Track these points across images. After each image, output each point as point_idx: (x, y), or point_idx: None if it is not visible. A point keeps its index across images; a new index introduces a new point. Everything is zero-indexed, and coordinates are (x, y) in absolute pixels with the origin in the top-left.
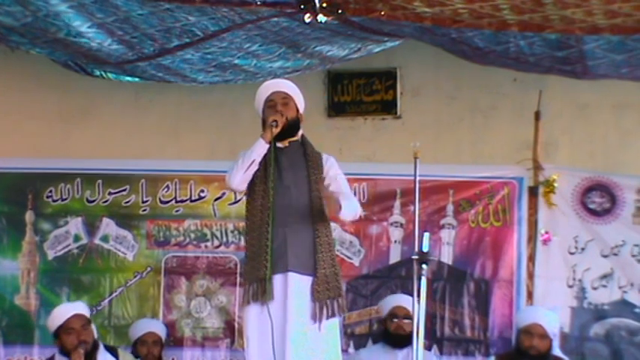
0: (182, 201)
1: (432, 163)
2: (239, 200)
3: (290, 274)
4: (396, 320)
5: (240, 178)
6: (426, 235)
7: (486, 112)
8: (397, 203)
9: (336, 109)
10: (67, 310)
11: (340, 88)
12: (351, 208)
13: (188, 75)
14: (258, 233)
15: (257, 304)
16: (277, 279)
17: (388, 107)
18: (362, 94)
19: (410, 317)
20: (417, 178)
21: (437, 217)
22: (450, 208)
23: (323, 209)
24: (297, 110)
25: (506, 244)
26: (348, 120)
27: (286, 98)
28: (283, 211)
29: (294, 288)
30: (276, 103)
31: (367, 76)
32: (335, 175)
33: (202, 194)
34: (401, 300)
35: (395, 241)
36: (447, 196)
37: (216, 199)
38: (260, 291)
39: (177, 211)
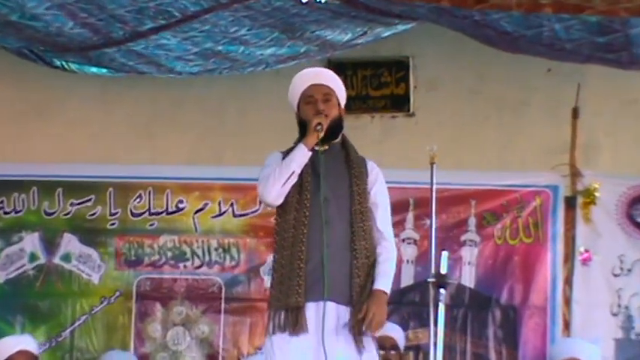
0: (157, 213)
1: (452, 168)
2: (224, 213)
3: (327, 303)
4: (382, 352)
5: (277, 192)
6: (444, 253)
7: (515, 108)
8: (410, 216)
9: None
10: (10, 345)
11: (343, 80)
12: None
13: (164, 64)
14: (290, 253)
15: (284, 335)
16: (311, 308)
17: (399, 103)
18: (368, 88)
19: (396, 348)
20: (434, 187)
21: (457, 233)
22: (473, 221)
23: (366, 228)
24: (339, 106)
25: (539, 264)
26: (352, 118)
27: (328, 94)
28: (321, 227)
29: (331, 319)
30: (316, 99)
31: (374, 66)
32: (377, 203)
33: (181, 205)
34: (387, 330)
35: (407, 261)
36: (468, 207)
37: (197, 212)
38: (291, 320)
39: (151, 225)
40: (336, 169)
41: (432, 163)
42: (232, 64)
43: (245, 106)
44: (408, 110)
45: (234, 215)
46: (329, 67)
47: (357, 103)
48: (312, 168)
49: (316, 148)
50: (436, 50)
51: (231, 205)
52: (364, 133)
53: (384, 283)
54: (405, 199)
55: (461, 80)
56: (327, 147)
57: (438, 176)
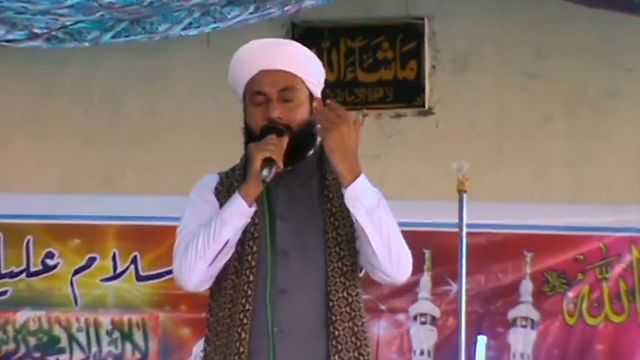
0: (12, 275)
1: (492, 199)
2: (121, 273)
3: None
4: None
5: (201, 276)
6: (481, 339)
7: (596, 102)
8: (425, 278)
9: None
10: None
11: (316, 56)
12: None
13: (20, 22)
14: (225, 342)
15: None
16: None
17: (408, 93)
18: (357, 69)
19: None
20: (464, 230)
21: (502, 306)
22: (527, 287)
23: (352, 300)
24: (311, 97)
25: (637, 356)
26: None
27: (290, 88)
28: (274, 297)
29: None
30: (269, 99)
31: (368, 33)
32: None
33: (50, 262)
34: None
35: (422, 352)
36: (520, 263)
37: (77, 272)
38: None
39: (2, 293)
40: (303, 201)
41: (460, 191)
42: (133, 20)
43: (155, 96)
44: (423, 105)
45: (139, 277)
46: (294, 36)
47: (340, 94)
48: (264, 202)
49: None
50: (467, 8)
51: (134, 260)
52: None
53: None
54: (415, 250)
55: (507, 57)
56: (290, 167)
57: (472, 212)
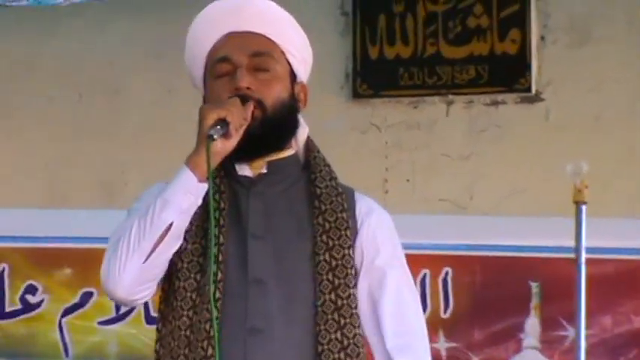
0: None
1: (621, 214)
2: (130, 311)
3: None
4: None
5: (135, 275)
6: None
7: None
8: (532, 320)
9: (371, 78)
10: None
11: (383, 22)
12: None
13: None
14: None
15: None
16: None
17: (508, 73)
18: (441, 41)
19: None
20: (583, 256)
21: (636, 357)
22: None
23: (350, 342)
24: (292, 77)
25: None
26: (404, 106)
27: (264, 54)
28: (242, 342)
29: None
30: (235, 66)
31: None
32: (382, 283)
33: (32, 298)
34: None
35: None
36: None
37: (67, 312)
38: None
39: None
40: (285, 215)
41: (578, 203)
42: None
43: (166, 75)
44: (528, 88)
45: (149, 319)
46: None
47: (417, 74)
48: (232, 214)
49: (244, 173)
50: None
51: None
52: (430, 138)
53: None
54: (519, 281)
55: None
56: (264, 169)
57: (594, 231)
